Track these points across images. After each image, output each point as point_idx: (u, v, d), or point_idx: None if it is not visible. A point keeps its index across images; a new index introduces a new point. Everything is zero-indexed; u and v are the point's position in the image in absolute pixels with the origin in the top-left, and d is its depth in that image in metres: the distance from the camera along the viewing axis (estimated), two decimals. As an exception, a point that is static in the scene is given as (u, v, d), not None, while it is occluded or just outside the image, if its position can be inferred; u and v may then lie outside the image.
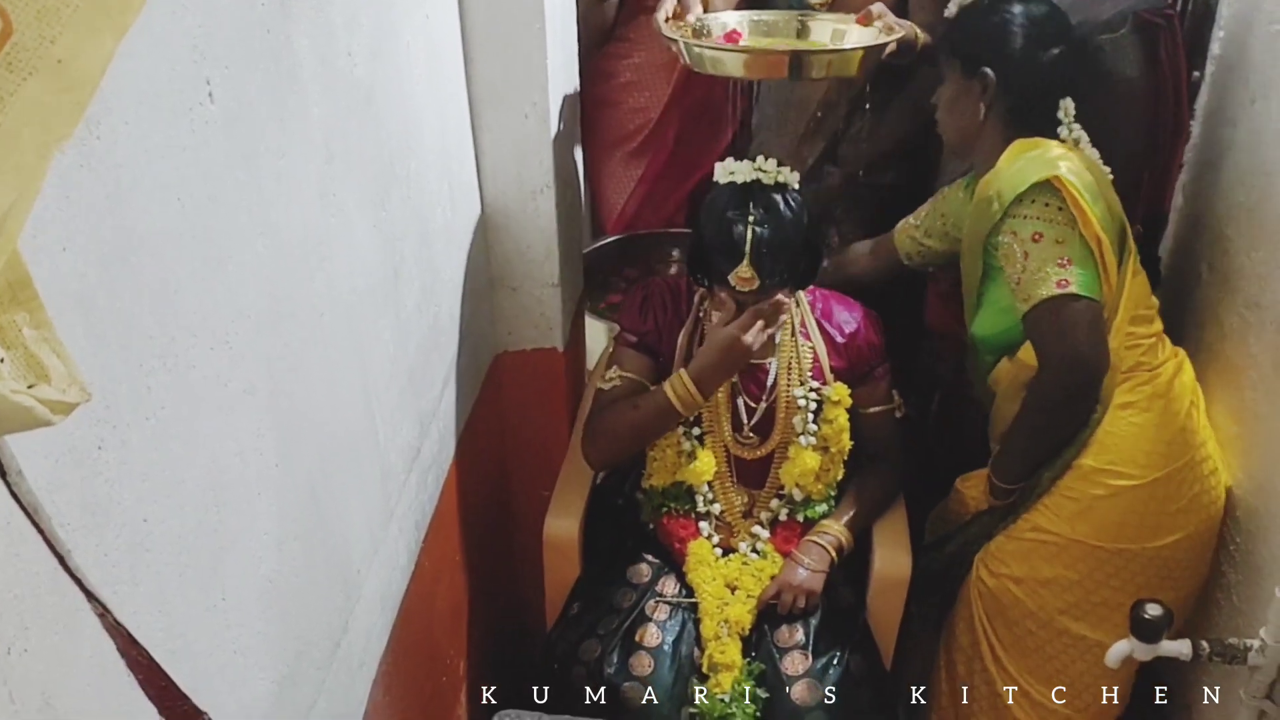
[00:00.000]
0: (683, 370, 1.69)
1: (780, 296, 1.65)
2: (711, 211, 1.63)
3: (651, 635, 1.66)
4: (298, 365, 1.10)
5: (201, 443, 0.91)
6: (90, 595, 0.73)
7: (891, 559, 1.76)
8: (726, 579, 1.75)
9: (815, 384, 1.76)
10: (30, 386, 0.56)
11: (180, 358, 0.86)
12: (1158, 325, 1.67)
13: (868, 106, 2.09)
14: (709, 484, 1.79)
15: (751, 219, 1.58)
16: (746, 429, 1.78)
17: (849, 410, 1.76)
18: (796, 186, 1.64)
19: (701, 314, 1.77)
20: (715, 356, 1.66)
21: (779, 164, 1.63)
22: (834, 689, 1.61)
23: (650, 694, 1.60)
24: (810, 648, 1.66)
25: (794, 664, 1.65)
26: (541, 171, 1.81)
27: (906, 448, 1.87)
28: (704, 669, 1.65)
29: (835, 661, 1.65)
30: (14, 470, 0.64)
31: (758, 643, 1.69)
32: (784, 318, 1.69)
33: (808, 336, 1.77)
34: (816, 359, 1.76)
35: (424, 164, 1.50)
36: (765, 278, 1.60)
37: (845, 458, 1.78)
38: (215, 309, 0.92)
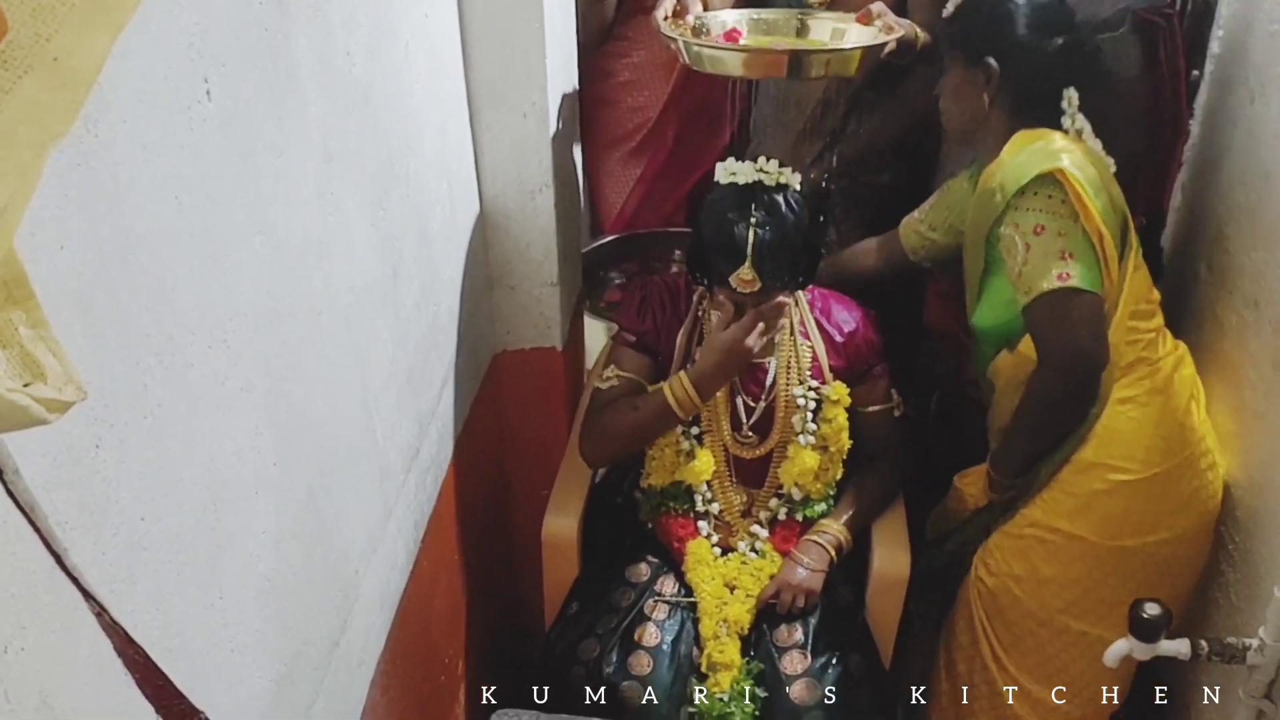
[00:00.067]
0: (682, 373, 1.69)
1: (781, 298, 1.65)
2: (712, 212, 1.63)
3: (650, 635, 1.66)
4: (296, 364, 1.10)
5: (199, 442, 0.91)
6: (87, 594, 0.73)
7: (890, 558, 1.76)
8: (725, 578, 1.74)
9: (814, 383, 1.75)
10: (26, 385, 0.56)
11: (178, 356, 0.86)
12: (1159, 319, 1.67)
13: (865, 105, 2.09)
14: (708, 483, 1.79)
15: (753, 220, 1.58)
16: (745, 428, 1.78)
17: (848, 409, 1.76)
18: (798, 187, 1.64)
19: (700, 313, 1.77)
20: (716, 360, 1.66)
21: (780, 165, 1.63)
22: (833, 688, 1.61)
23: (649, 693, 1.60)
24: (809, 647, 1.66)
25: (793, 663, 1.65)
26: (540, 170, 1.81)
27: (905, 447, 1.87)
28: (703, 668, 1.65)
29: (834, 661, 1.65)
30: (11, 469, 0.64)
31: (757, 642, 1.69)
32: (784, 319, 1.69)
33: (807, 336, 1.77)
34: (815, 358, 1.76)
35: (422, 163, 1.50)
36: (766, 279, 1.60)
37: (844, 457, 1.78)
38: (213, 308, 0.92)
